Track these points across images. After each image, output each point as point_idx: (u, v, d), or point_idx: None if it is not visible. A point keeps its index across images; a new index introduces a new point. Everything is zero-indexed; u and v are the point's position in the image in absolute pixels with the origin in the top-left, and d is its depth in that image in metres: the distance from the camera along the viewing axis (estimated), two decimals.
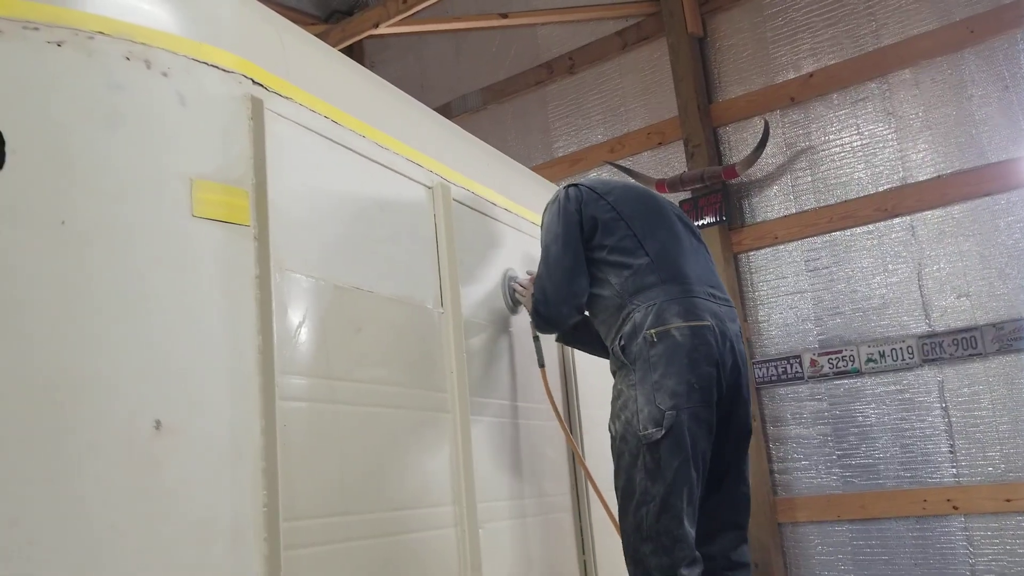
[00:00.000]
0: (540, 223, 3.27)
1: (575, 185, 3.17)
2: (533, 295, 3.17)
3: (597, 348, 3.22)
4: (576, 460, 3.63)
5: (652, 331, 2.78)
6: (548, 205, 3.21)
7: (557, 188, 3.41)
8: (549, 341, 3.60)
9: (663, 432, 2.67)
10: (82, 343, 1.89)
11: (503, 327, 3.39)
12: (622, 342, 2.87)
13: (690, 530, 2.67)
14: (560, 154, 7.05)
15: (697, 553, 2.68)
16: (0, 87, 1.91)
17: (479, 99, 7.52)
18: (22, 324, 1.84)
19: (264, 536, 2.03)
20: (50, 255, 1.90)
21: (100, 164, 2.00)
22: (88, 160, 1.98)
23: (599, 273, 3.02)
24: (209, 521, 1.97)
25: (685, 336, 2.76)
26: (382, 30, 6.39)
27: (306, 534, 2.18)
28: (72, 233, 1.93)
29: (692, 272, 2.92)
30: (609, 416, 2.90)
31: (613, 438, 2.87)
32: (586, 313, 3.16)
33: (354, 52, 7.93)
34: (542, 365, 3.47)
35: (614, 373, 2.94)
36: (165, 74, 2.12)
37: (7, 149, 1.88)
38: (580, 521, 3.64)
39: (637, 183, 3.42)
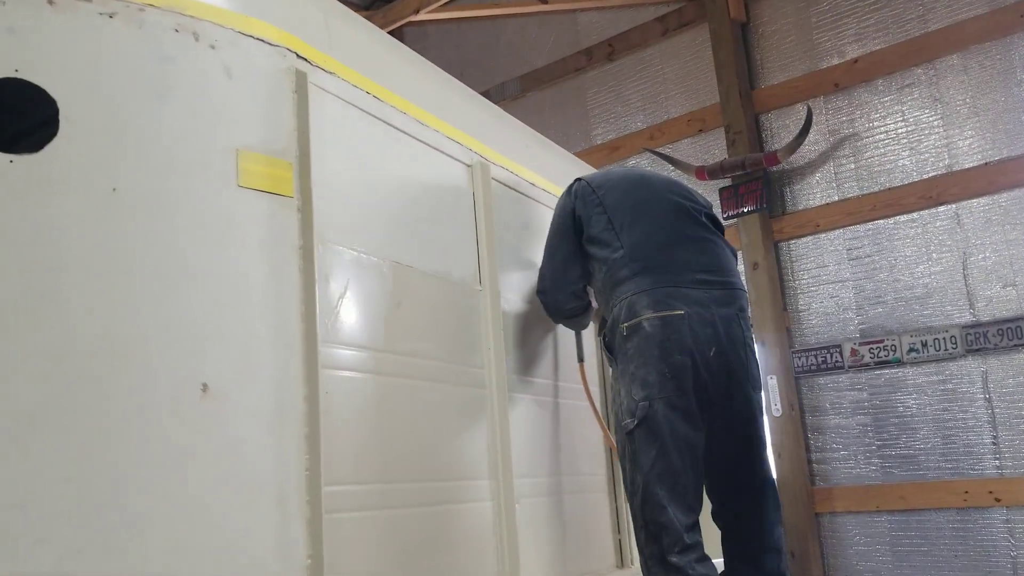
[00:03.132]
0: None
1: (579, 179, 3.25)
2: (537, 286, 3.29)
3: None
4: (613, 454, 3.65)
5: (625, 325, 2.83)
6: (558, 200, 3.30)
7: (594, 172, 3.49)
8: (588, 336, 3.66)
9: (636, 422, 2.74)
10: (131, 307, 1.94)
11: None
12: (606, 338, 2.97)
13: (679, 517, 2.67)
14: (599, 141, 7.03)
15: (692, 540, 2.68)
16: (54, 57, 1.96)
17: (518, 86, 7.52)
18: (75, 288, 1.89)
19: (306, 499, 2.07)
20: (101, 222, 1.95)
21: (150, 134, 2.04)
22: (138, 130, 2.03)
23: (591, 269, 3.09)
24: (254, 484, 2.01)
25: (655, 327, 2.77)
26: (422, 16, 6.44)
27: (346, 499, 2.22)
28: (123, 200, 1.97)
29: (675, 260, 2.89)
30: None
31: (615, 432, 2.97)
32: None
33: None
34: (581, 360, 3.52)
35: (609, 367, 3.04)
36: (212, 47, 2.16)
37: (61, 117, 1.93)
38: (616, 502, 3.65)
39: (639, 171, 3.46)
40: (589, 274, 3.13)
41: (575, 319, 3.37)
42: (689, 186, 3.31)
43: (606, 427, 3.61)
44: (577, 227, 3.10)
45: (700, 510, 2.81)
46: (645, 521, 2.73)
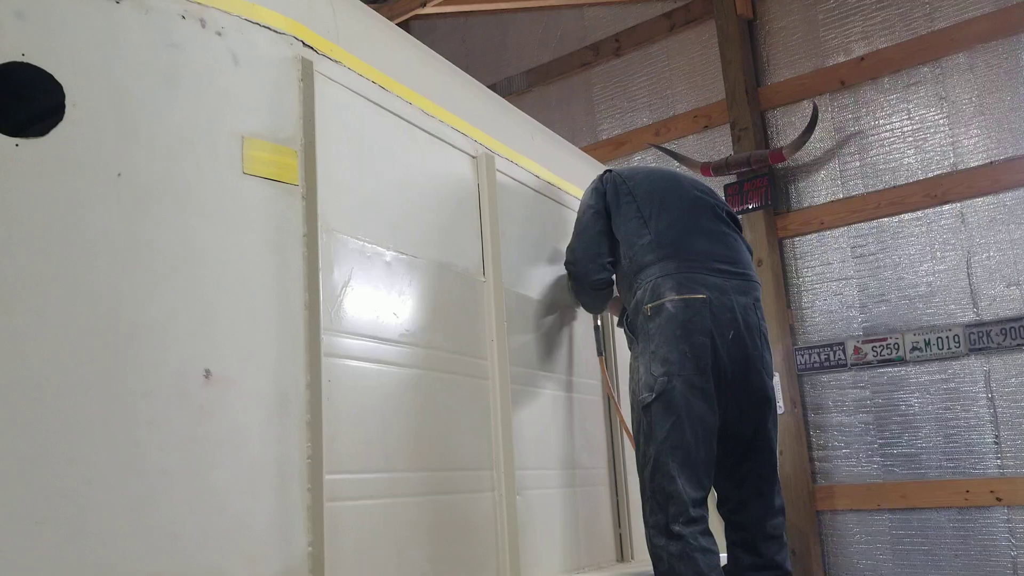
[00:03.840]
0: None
1: (609, 171, 3.41)
2: (566, 258, 3.42)
3: None
4: (616, 447, 3.70)
5: (648, 306, 2.96)
6: (587, 187, 3.42)
7: (601, 167, 3.65)
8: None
9: (653, 396, 2.84)
10: (135, 292, 1.94)
11: (547, 300, 3.41)
12: (629, 319, 3.08)
13: (687, 490, 2.74)
14: (604, 137, 7.02)
15: (697, 513, 2.75)
16: (60, 42, 1.96)
17: (524, 81, 7.51)
18: (79, 272, 1.89)
19: (308, 487, 2.08)
20: (107, 206, 1.95)
21: (156, 119, 2.04)
22: (144, 115, 2.03)
23: (617, 253, 3.22)
24: (256, 470, 2.02)
25: (679, 308, 2.89)
26: (429, 9, 6.44)
27: (348, 487, 2.23)
28: (128, 186, 1.98)
29: (697, 249, 3.03)
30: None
31: (630, 409, 3.05)
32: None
33: None
34: (601, 353, 3.63)
35: (629, 348, 3.12)
36: (219, 33, 2.16)
37: (67, 102, 1.93)
38: (617, 495, 3.65)
39: (666, 169, 3.61)
40: (615, 254, 3.24)
41: (599, 293, 3.40)
42: (710, 186, 3.44)
43: (623, 418, 3.63)
44: (607, 211, 3.24)
45: (709, 489, 2.87)
46: (653, 491, 2.81)
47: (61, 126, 1.92)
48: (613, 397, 3.63)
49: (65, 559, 1.74)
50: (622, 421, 3.65)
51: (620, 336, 3.82)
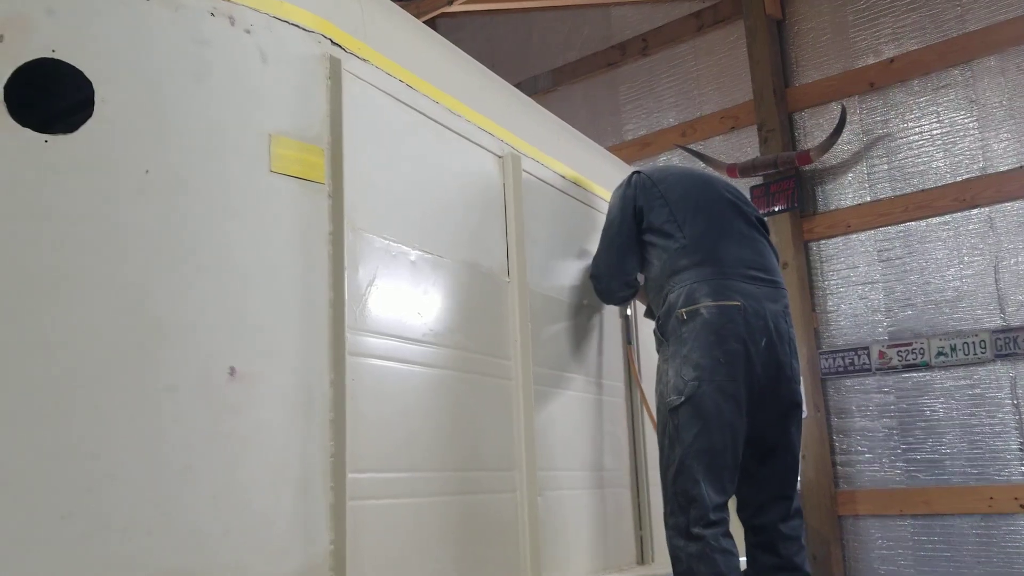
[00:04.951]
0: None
1: (639, 172, 3.37)
2: (591, 272, 3.43)
3: None
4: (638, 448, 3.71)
5: (682, 310, 2.94)
6: (615, 189, 3.39)
7: (628, 168, 3.65)
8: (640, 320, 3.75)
9: (682, 399, 2.84)
10: (162, 288, 1.95)
11: (573, 301, 3.40)
12: (660, 321, 3.07)
13: (710, 494, 2.75)
14: (630, 137, 6.99)
15: (718, 516, 2.75)
16: (90, 38, 1.97)
17: (550, 80, 7.50)
18: (107, 268, 1.90)
19: (331, 485, 2.08)
20: (134, 203, 1.96)
21: (184, 116, 2.05)
22: (173, 112, 2.04)
23: (648, 256, 3.21)
24: (279, 467, 2.02)
25: (713, 314, 2.89)
26: (456, 7, 6.43)
27: (370, 487, 2.22)
28: (155, 182, 1.98)
29: (730, 255, 3.03)
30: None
31: (656, 411, 3.05)
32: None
33: None
34: (630, 343, 3.69)
35: (657, 350, 3.11)
36: (248, 31, 2.17)
37: (97, 98, 1.94)
38: (638, 498, 3.64)
39: (698, 170, 3.63)
40: (643, 262, 3.24)
41: (622, 304, 3.53)
42: (737, 187, 3.42)
43: (650, 409, 3.63)
44: (637, 217, 3.23)
45: (732, 494, 2.89)
46: (675, 492, 2.81)
47: (90, 122, 1.93)
48: (640, 385, 3.62)
49: (89, 554, 1.75)
50: (646, 405, 3.64)
51: (644, 324, 3.82)
